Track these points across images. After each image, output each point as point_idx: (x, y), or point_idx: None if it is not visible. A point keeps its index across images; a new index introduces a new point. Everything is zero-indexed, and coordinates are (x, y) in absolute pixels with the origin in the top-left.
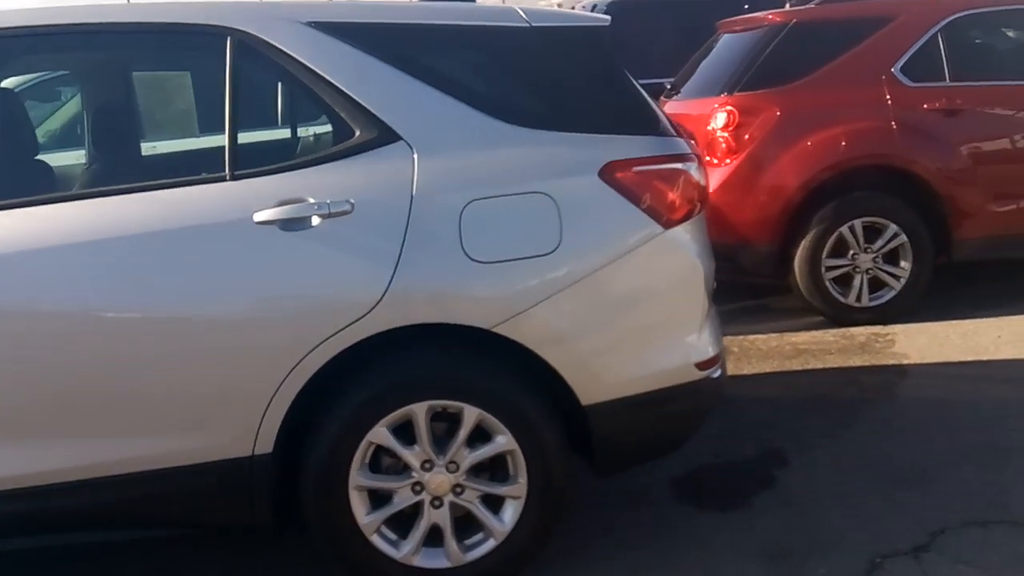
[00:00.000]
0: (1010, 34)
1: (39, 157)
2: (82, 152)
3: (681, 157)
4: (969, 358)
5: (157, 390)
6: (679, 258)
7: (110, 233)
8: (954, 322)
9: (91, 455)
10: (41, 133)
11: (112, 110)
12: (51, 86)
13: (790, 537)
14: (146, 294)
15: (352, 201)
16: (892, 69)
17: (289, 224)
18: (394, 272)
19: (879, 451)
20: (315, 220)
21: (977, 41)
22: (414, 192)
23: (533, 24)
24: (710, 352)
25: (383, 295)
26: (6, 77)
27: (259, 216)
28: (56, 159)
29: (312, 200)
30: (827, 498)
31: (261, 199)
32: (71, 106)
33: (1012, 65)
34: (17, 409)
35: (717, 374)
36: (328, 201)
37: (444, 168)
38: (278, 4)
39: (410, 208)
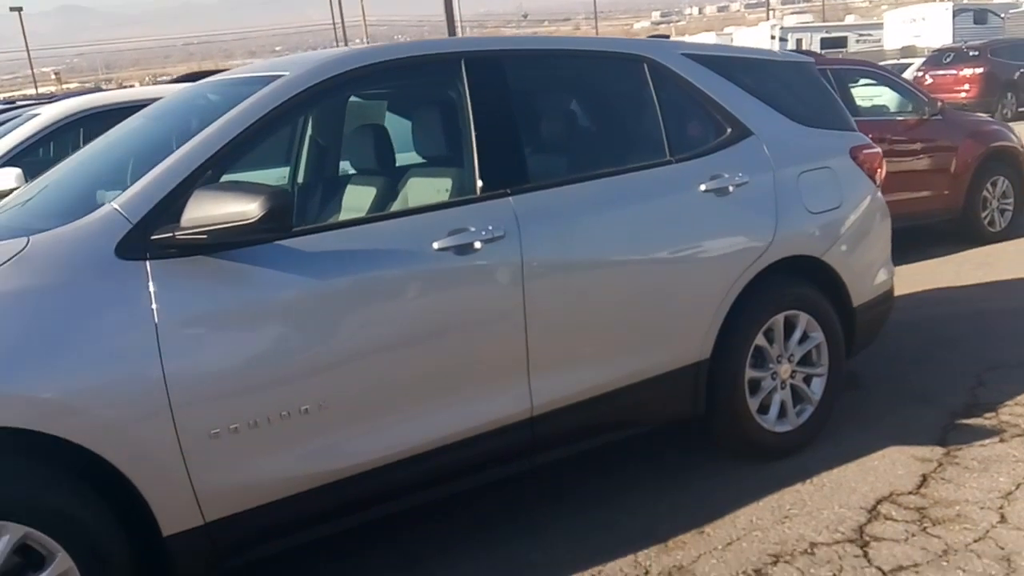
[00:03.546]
0: None
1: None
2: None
3: (873, 144)
4: None
5: (658, 314)
6: (884, 208)
7: (619, 203)
8: None
9: (613, 372)
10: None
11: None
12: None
13: (911, 389)
14: (646, 244)
15: (747, 175)
16: None
17: (719, 192)
18: (776, 221)
19: (886, 348)
20: (731, 188)
21: None
22: (774, 168)
23: (787, 59)
24: (893, 268)
25: (773, 237)
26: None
27: (703, 187)
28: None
29: (727, 175)
30: (899, 374)
31: (699, 176)
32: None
33: None
34: (584, 338)
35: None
36: (739, 174)
37: (780, 151)
38: (664, 41)
39: (774, 179)
